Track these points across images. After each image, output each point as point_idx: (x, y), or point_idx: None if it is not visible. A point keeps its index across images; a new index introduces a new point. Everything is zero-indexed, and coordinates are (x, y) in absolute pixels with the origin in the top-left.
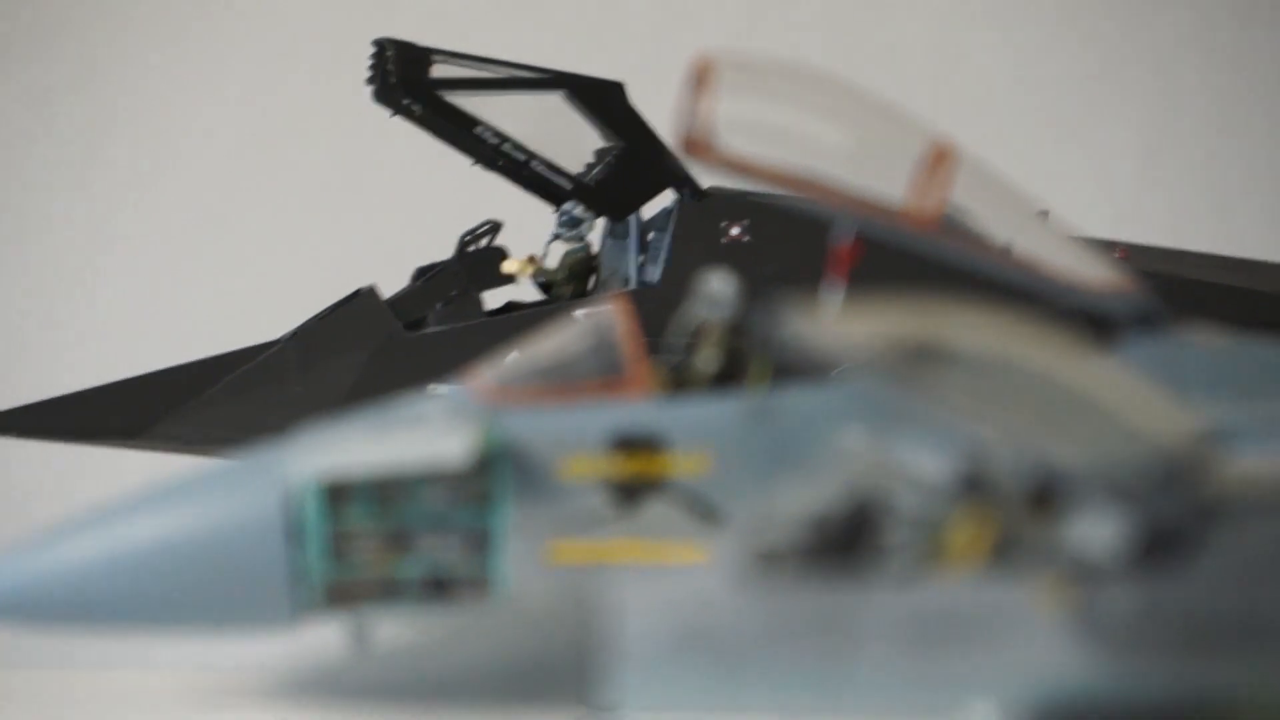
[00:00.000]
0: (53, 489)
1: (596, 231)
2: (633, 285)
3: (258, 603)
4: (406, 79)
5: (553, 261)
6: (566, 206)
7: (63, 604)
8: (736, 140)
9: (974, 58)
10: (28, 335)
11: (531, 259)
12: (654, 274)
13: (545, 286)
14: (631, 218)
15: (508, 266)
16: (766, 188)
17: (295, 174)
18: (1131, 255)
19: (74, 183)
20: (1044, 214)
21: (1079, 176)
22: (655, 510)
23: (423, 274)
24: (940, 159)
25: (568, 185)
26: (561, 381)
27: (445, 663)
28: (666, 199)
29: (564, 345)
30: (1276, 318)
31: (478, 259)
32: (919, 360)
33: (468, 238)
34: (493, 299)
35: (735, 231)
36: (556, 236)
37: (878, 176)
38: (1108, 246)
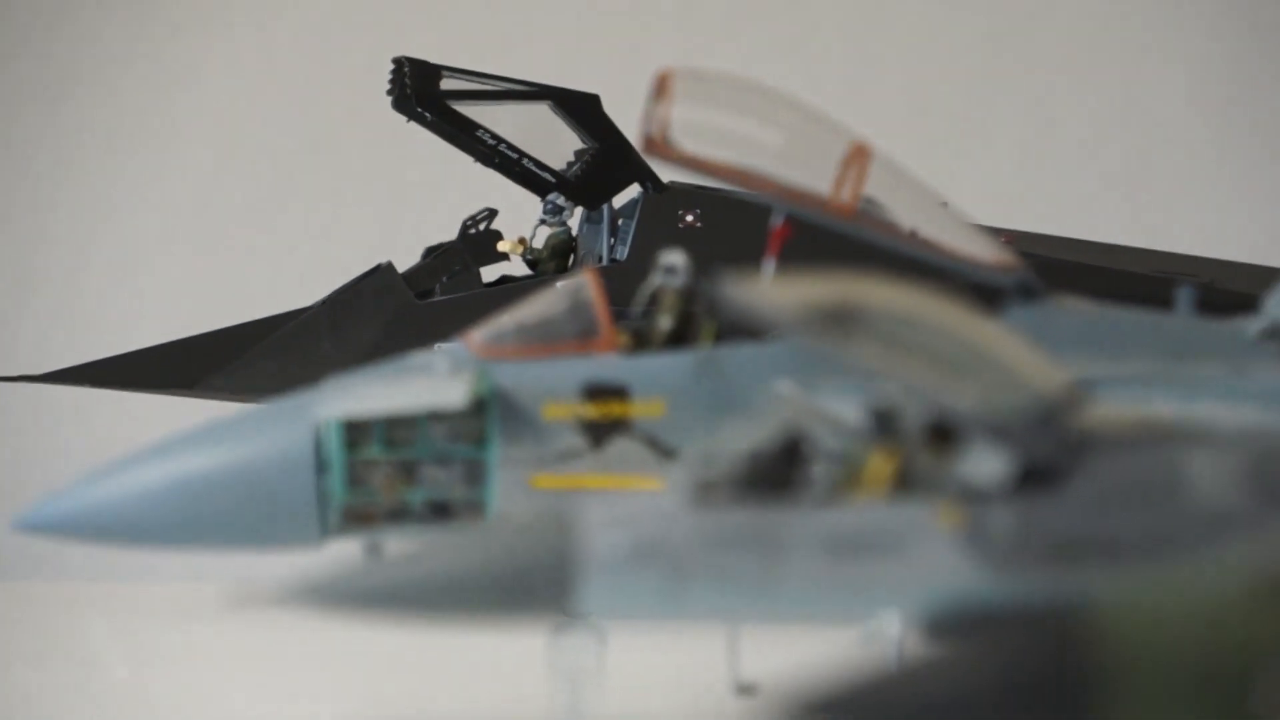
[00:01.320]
0: (124, 434)
1: (575, 218)
2: (604, 262)
3: (290, 523)
4: (420, 92)
5: (539, 243)
6: (551, 197)
7: (129, 523)
8: (689, 141)
9: (896, 71)
10: (97, 305)
11: (521, 240)
12: (622, 253)
13: (533, 264)
14: (604, 207)
15: (502, 246)
16: (715, 182)
17: (330, 172)
18: (1015, 239)
19: (129, 169)
20: (944, 204)
21: (981, 171)
22: (620, 447)
23: (431, 252)
24: (857, 157)
25: (552, 179)
26: (543, 340)
27: (445, 573)
28: (633, 192)
29: (546, 310)
30: (1132, 291)
31: (477, 240)
32: (837, 321)
33: (469, 222)
34: (489, 274)
35: (690, 218)
36: (542, 222)
37: (806, 171)
38: (996, 232)
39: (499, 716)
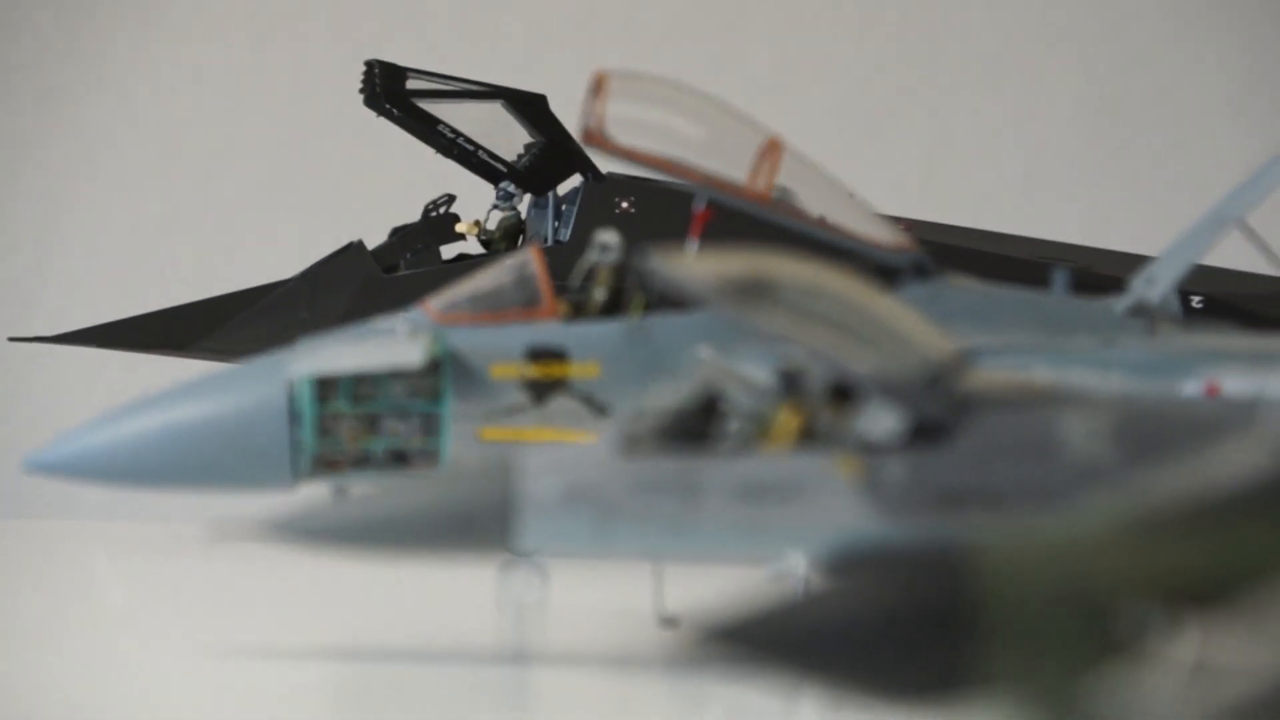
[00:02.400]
0: (125, 388)
1: (524, 204)
2: (549, 243)
3: (266, 468)
4: (388, 91)
5: (492, 225)
6: (502, 185)
7: (126, 466)
8: (623, 135)
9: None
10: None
11: (476, 223)
12: (565, 234)
13: (486, 243)
14: (550, 194)
15: (459, 228)
16: (647, 171)
17: (311, 161)
18: (912, 226)
19: (138, 164)
20: (850, 193)
21: (885, 167)
22: (559, 404)
23: (397, 232)
24: (771, 150)
25: (504, 169)
26: (492, 308)
27: (402, 513)
28: (576, 180)
29: (494, 282)
30: (1014, 273)
31: (437, 222)
32: (749, 293)
33: (430, 206)
34: (448, 252)
35: (625, 204)
36: (495, 207)
37: (725, 162)
38: (895, 220)
39: (452, 643)
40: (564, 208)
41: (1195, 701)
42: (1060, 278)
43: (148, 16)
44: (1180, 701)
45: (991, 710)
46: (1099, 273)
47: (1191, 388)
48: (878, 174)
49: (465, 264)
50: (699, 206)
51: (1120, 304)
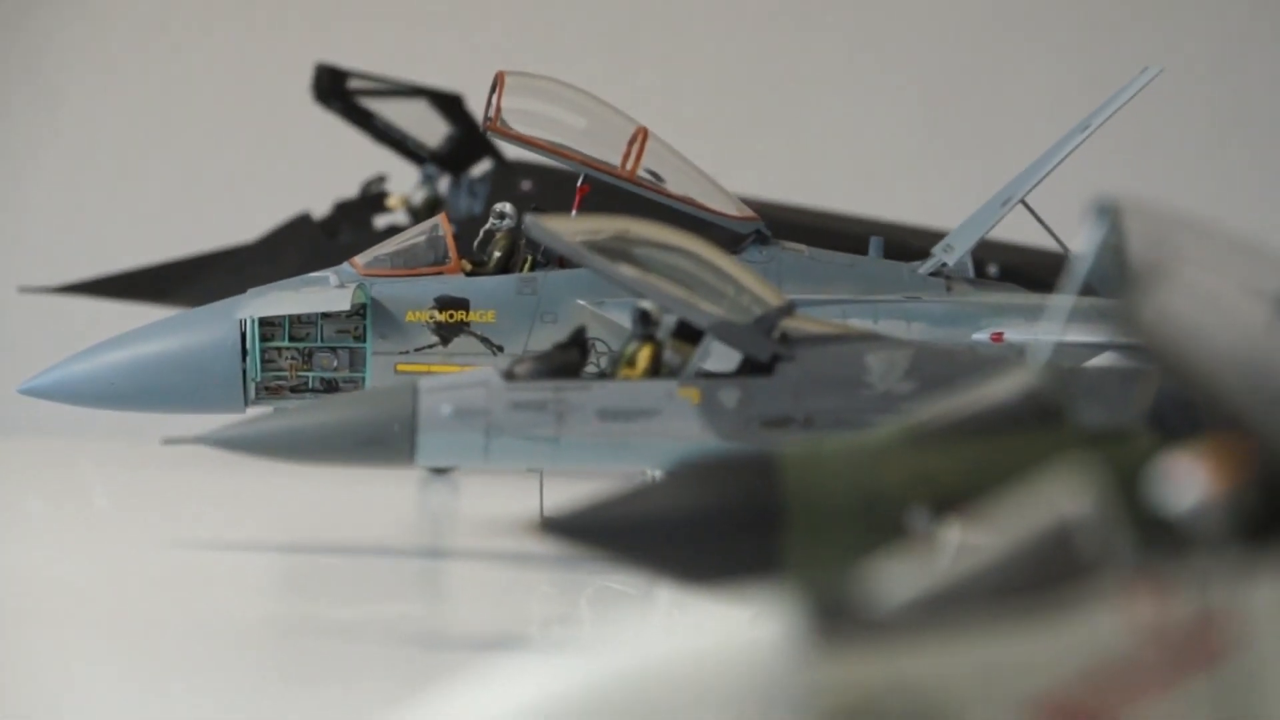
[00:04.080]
0: (111, 328)
1: (444, 183)
2: (462, 214)
3: (221, 393)
4: (333, 89)
5: (417, 200)
6: (426, 167)
7: (104, 391)
8: (517, 124)
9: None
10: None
11: (404, 198)
12: (476, 208)
13: (414, 215)
14: (464, 175)
15: (389, 202)
16: (539, 155)
17: (270, 146)
18: (758, 206)
19: (128, 138)
20: (703, 173)
21: (736, 152)
22: (461, 343)
23: (339, 206)
24: (639, 137)
25: (427, 154)
26: (407, 264)
27: (327, 422)
28: (486, 164)
29: (410, 243)
30: (838, 241)
31: (372, 197)
32: (614, 251)
33: (366, 183)
34: (380, 222)
35: (526, 184)
36: (420, 185)
37: (602, 147)
38: (745, 200)
39: (377, 540)
40: (476, 187)
41: (948, 576)
42: (875, 245)
43: (150, 16)
44: (938, 577)
45: (786, 587)
46: (907, 242)
47: (980, 335)
48: (737, 160)
49: (394, 231)
50: (579, 183)
51: (923, 267)
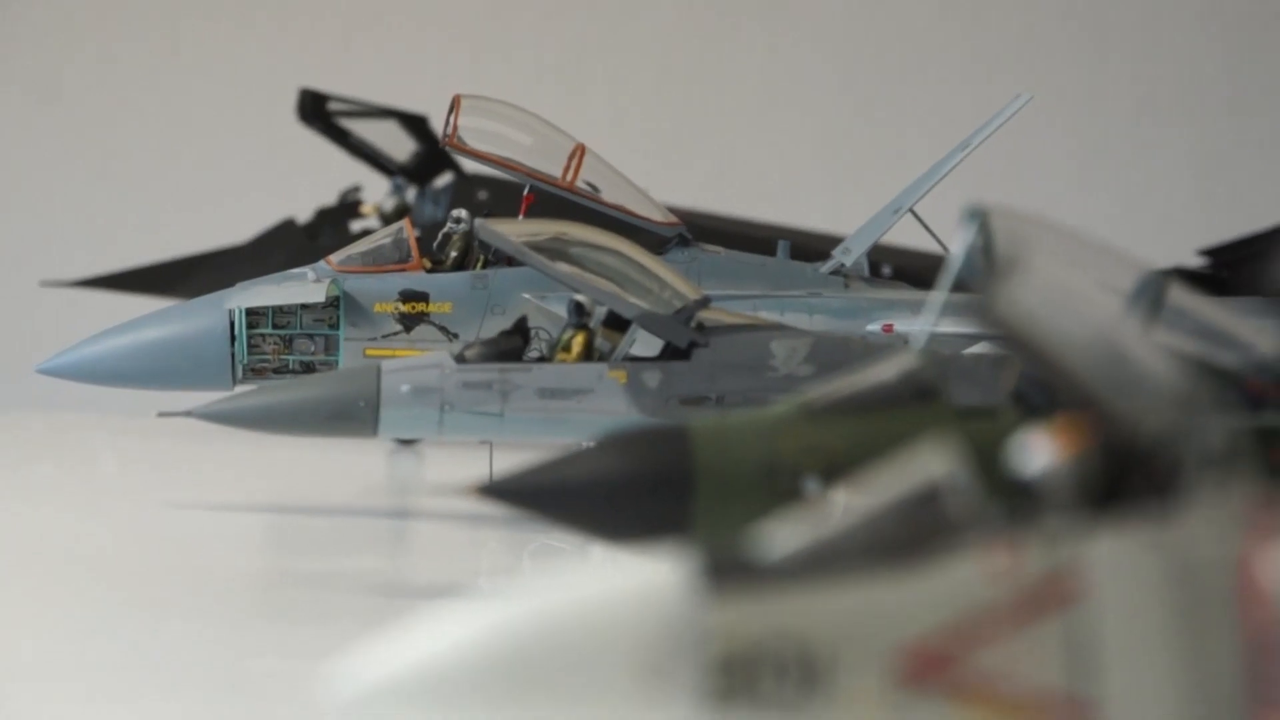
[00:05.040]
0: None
1: (411, 193)
2: (427, 220)
3: (213, 373)
4: (314, 111)
5: (388, 207)
6: (395, 179)
7: (111, 371)
8: (472, 141)
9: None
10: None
11: (376, 206)
12: (440, 215)
13: (385, 221)
14: (428, 186)
15: (364, 209)
16: (491, 168)
17: (263, 159)
18: (679, 213)
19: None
20: (634, 184)
21: (666, 165)
22: (421, 331)
23: (320, 212)
24: (578, 152)
25: (396, 167)
26: (375, 262)
27: (302, 398)
28: (448, 177)
29: (377, 243)
30: (750, 244)
31: (349, 205)
32: (553, 251)
33: (344, 192)
34: (355, 227)
35: (482, 194)
36: (390, 194)
37: (546, 161)
38: (668, 208)
39: (348, 502)
40: (439, 196)
41: (828, 532)
42: (782, 247)
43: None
44: (819, 533)
45: (690, 542)
46: (811, 245)
47: (873, 327)
48: (664, 173)
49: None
50: (525, 192)
51: (824, 267)
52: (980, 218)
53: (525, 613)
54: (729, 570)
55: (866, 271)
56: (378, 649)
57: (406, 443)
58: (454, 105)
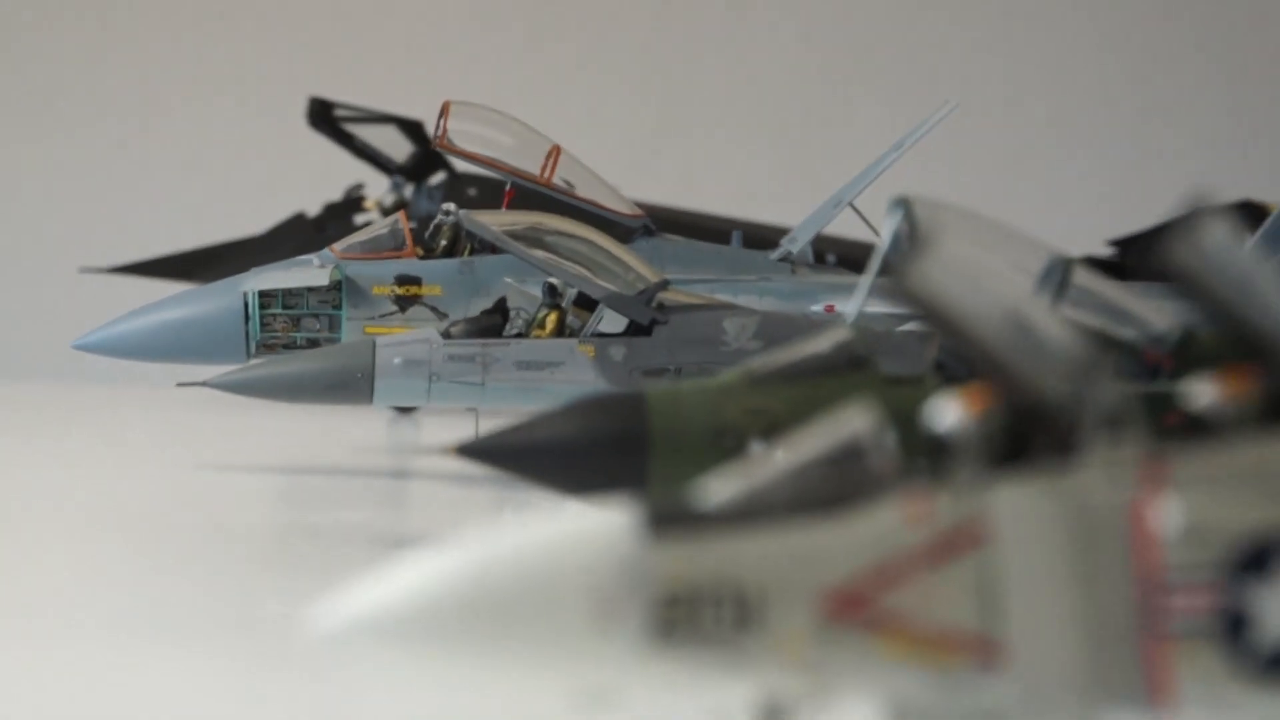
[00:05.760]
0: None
1: (409, 190)
2: (422, 213)
3: (229, 349)
4: (323, 117)
5: (387, 203)
6: (394, 178)
7: (138, 346)
8: (460, 142)
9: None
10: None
11: (377, 201)
12: (434, 209)
13: (385, 214)
14: (424, 183)
15: (366, 205)
16: (479, 168)
17: (277, 158)
18: (645, 206)
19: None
20: (604, 181)
21: (631, 165)
22: (414, 311)
23: (327, 207)
24: (554, 152)
25: (395, 167)
26: (373, 249)
27: (306, 370)
28: (441, 175)
29: (375, 232)
30: (707, 234)
31: (353, 201)
32: (528, 238)
33: (349, 189)
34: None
35: (471, 191)
36: (390, 191)
37: (525, 160)
38: (635, 202)
39: (350, 463)
40: (433, 193)
41: (759, 481)
42: (736, 237)
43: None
44: (751, 482)
45: (640, 494)
46: (762, 235)
47: (816, 308)
48: (631, 171)
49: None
50: (506, 187)
51: (774, 255)
52: (904, 207)
53: (491, 552)
54: (671, 517)
55: (811, 259)
56: (357, 589)
57: (404, 410)
58: (444, 111)
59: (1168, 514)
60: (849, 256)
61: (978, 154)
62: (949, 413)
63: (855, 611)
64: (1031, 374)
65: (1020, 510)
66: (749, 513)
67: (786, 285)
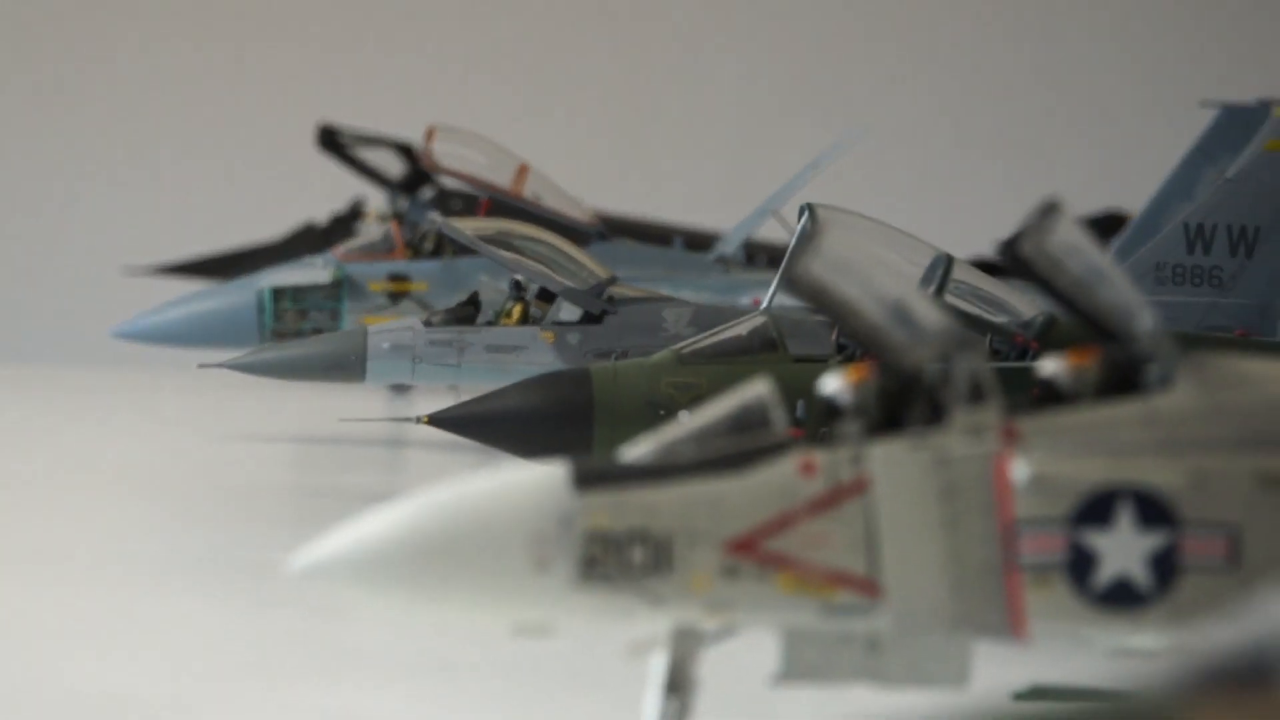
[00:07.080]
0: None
1: (403, 203)
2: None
3: (246, 337)
4: (329, 141)
5: (385, 214)
6: (390, 193)
7: (169, 333)
8: (445, 161)
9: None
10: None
11: (375, 212)
12: (422, 217)
13: (382, 223)
14: (416, 197)
15: (366, 215)
16: (460, 183)
17: (292, 175)
18: (600, 214)
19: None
20: (567, 192)
21: (592, 174)
22: (403, 305)
23: (334, 218)
24: (522, 169)
25: (391, 183)
26: (369, 252)
27: (308, 353)
28: (429, 190)
29: (371, 238)
30: (655, 238)
31: (356, 212)
32: (496, 240)
33: (352, 202)
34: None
35: (456, 204)
36: (387, 204)
37: (498, 175)
38: (594, 210)
39: (351, 434)
40: (424, 205)
41: (671, 441)
42: (678, 240)
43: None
44: (665, 442)
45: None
46: (704, 239)
47: (744, 300)
48: (588, 182)
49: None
50: (482, 199)
51: (710, 256)
52: (809, 212)
53: (442, 502)
54: (596, 472)
55: (743, 259)
56: (330, 536)
57: (400, 388)
58: (429, 134)
59: (1020, 467)
60: (777, 258)
61: (890, 170)
62: (834, 383)
63: (755, 554)
64: (907, 351)
65: (896, 465)
66: (663, 469)
67: (721, 282)
